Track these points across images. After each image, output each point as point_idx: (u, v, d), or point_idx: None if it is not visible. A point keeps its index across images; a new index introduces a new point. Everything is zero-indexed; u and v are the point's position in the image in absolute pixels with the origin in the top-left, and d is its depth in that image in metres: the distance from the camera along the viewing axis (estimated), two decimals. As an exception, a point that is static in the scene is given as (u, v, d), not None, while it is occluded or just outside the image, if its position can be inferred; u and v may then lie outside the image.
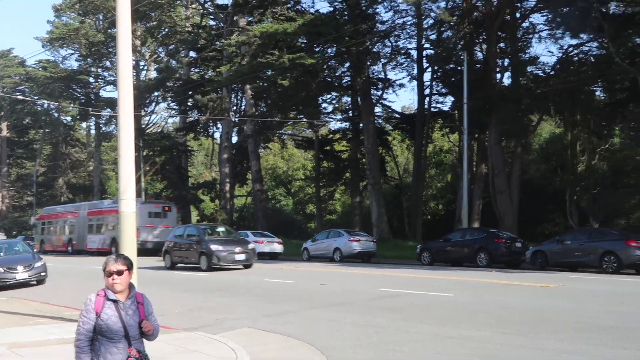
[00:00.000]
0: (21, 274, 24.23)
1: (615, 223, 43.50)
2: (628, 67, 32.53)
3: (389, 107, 53.71)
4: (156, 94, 66.88)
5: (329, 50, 43.17)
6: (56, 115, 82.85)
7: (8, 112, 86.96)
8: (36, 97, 77.53)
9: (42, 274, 24.91)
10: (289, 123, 48.78)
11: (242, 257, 28.51)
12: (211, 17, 57.90)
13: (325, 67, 43.23)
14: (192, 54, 58.92)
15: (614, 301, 15.82)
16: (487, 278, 22.01)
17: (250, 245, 29.91)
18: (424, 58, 47.30)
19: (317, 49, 42.63)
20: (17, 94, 74.40)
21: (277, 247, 40.77)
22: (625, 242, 25.15)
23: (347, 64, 45.01)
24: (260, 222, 51.97)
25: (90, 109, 62.37)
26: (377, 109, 51.46)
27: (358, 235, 37.16)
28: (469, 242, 30.36)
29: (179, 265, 30.61)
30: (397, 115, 54.36)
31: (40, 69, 72.57)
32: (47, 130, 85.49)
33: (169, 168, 60.96)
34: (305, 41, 42.35)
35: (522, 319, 13.29)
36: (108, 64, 69.16)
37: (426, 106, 47.90)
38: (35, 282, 24.96)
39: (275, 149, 77.73)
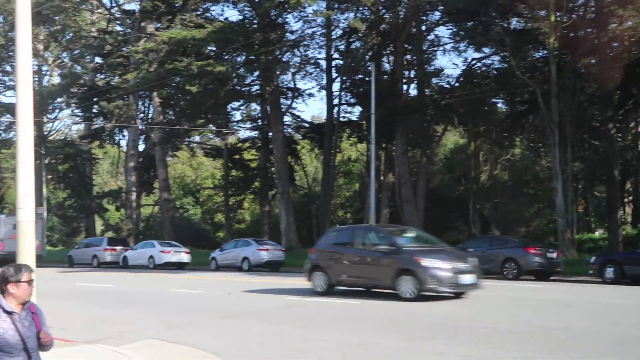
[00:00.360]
0: None
1: (516, 231, 45.08)
2: (527, 81, 33.79)
3: (298, 117, 53.96)
4: (60, 100, 65.02)
5: (239, 59, 43.01)
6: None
7: None
8: None
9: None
10: (197, 131, 48.19)
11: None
12: (118, 22, 56.72)
13: (234, 75, 43.04)
14: (98, 59, 57.54)
15: (512, 306, 16.34)
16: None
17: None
18: (333, 68, 47.73)
19: (226, 57, 42.40)
20: None
21: (185, 257, 40.22)
22: (525, 249, 26.13)
23: (257, 73, 44.93)
24: (168, 231, 51.14)
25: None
26: (287, 118, 51.66)
27: (266, 244, 37.15)
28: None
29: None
30: (306, 125, 54.64)
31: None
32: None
33: (72, 176, 59.25)
34: (214, 49, 42.07)
35: (425, 325, 13.54)
36: (8, 68, 66.54)
37: (335, 116, 48.30)
38: None
39: (183, 158, 76.74)
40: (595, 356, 10.34)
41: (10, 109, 64.35)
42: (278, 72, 46.26)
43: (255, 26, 41.19)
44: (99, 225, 62.81)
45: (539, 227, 48.67)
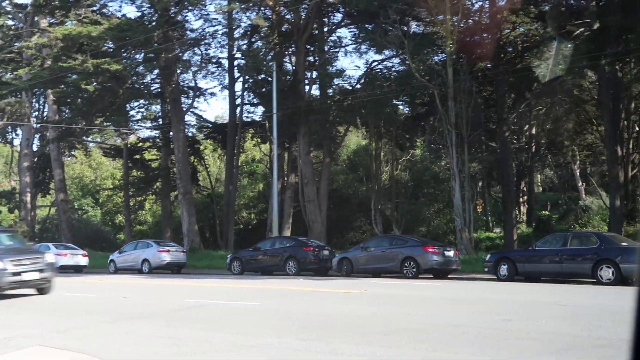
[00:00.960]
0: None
1: (416, 230, 45.95)
2: (426, 83, 34.49)
3: (201, 116, 53.33)
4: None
5: (137, 57, 42.05)
6: None
7: None
8: None
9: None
10: (95, 130, 46.86)
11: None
12: (10, 16, 54.47)
13: (133, 73, 42.04)
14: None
15: (410, 304, 16.58)
16: (294, 286, 22.30)
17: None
18: (235, 67, 47.39)
19: (124, 55, 41.39)
20: None
21: (82, 260, 39.11)
22: (423, 248, 26.61)
23: (157, 71, 44.05)
24: (65, 233, 49.56)
25: None
26: (189, 118, 50.97)
27: (167, 245, 36.53)
28: (278, 251, 30.75)
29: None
30: (209, 125, 54.04)
31: None
32: None
33: None
34: (112, 46, 41.00)
35: (323, 325, 13.52)
36: None
37: (238, 116, 47.96)
38: None
39: (82, 158, 74.55)
40: (484, 350, 10.57)
41: None
42: (178, 71, 45.53)
43: (154, 24, 40.39)
44: (-9, 228, 60.20)
45: (439, 226, 49.76)
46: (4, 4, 55.45)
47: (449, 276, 27.09)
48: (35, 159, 55.47)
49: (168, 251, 35.32)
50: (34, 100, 53.90)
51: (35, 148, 55.39)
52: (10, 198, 56.27)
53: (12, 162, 65.11)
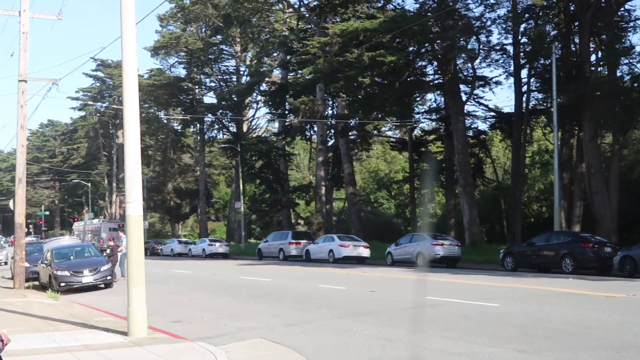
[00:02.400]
0: (87, 277, 24.63)
1: None
2: None
3: (487, 106, 51.57)
4: (257, 98, 67.65)
5: (412, 48, 41.72)
6: (165, 121, 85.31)
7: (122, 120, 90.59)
8: (147, 105, 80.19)
9: (108, 277, 25.26)
10: (376, 124, 47.48)
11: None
12: (305, 20, 57.66)
13: (412, 65, 41.82)
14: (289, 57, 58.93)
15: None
16: (555, 286, 20.25)
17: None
18: (521, 53, 44.99)
19: (400, 47, 41.31)
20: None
21: (364, 252, 39.98)
22: None
23: (435, 63, 43.43)
24: (355, 225, 51.17)
25: (189, 116, 63.57)
26: (473, 108, 49.67)
27: (442, 239, 35.77)
28: (553, 247, 28.41)
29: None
30: (494, 114, 52.13)
31: (146, 77, 74.94)
32: (160, 136, 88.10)
33: (266, 172, 61.29)
34: (393, 40, 41.10)
35: (551, 333, 11.85)
36: (207, 70, 70.32)
37: (525, 103, 45.52)
38: (103, 286, 25.30)
39: (377, 152, 76.86)
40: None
41: (210, 108, 68.13)
42: (460, 62, 44.50)
43: (429, 14, 39.75)
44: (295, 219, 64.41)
45: None
46: (301, 8, 58.83)
47: None
48: (330, 154, 58.11)
49: (442, 245, 34.56)
50: (328, 98, 56.29)
51: (329, 143, 58.05)
52: (307, 191, 59.66)
53: (310, 157, 69.13)
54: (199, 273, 32.07)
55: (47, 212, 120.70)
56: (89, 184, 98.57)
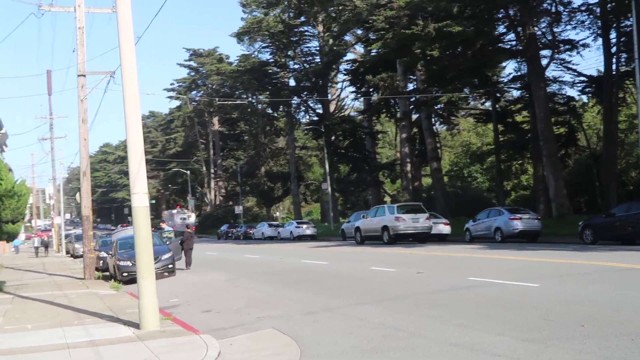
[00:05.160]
0: (147, 266, 24.93)
1: None
2: None
3: (575, 70, 48.95)
4: (342, 78, 67.12)
5: (486, 16, 39.86)
6: (258, 106, 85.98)
7: (217, 107, 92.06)
8: (238, 92, 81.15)
9: (170, 265, 25.49)
10: (453, 97, 45.82)
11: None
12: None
13: (485, 33, 39.96)
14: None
15: None
16: (627, 261, 18.81)
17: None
18: (609, 13, 42.31)
19: (476, 16, 39.59)
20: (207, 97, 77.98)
21: (444, 229, 39.08)
22: None
23: (512, 29, 41.39)
24: (440, 202, 49.95)
25: (266, 100, 63.67)
26: (559, 73, 47.28)
27: (520, 213, 34.27)
28: (634, 217, 26.55)
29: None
30: (583, 79, 49.45)
31: (234, 63, 75.78)
32: (253, 120, 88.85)
33: (352, 151, 60.78)
34: (464, 8, 39.50)
35: (572, 318, 10.84)
36: (291, 53, 70.14)
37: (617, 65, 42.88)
38: (167, 274, 25.57)
39: (469, 125, 74.81)
40: None
41: (295, 91, 68.04)
42: (540, 25, 42.27)
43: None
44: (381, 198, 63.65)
45: None
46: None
47: None
48: (415, 130, 56.94)
49: (520, 219, 33.12)
50: (407, 74, 55.06)
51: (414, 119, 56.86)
52: (392, 169, 58.79)
53: (396, 134, 68.01)
54: (265, 258, 32.00)
55: (154, 201, 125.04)
56: (188, 172, 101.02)
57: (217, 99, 79.03)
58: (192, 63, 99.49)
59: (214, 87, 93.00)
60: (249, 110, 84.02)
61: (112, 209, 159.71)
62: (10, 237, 23.94)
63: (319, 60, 67.55)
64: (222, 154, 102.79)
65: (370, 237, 38.69)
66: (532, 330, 10.18)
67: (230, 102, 72.24)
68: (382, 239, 36.86)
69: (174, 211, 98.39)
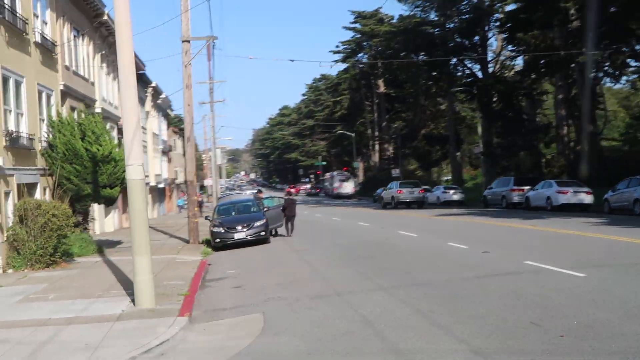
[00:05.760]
0: (239, 233, 24.87)
1: None
2: None
3: None
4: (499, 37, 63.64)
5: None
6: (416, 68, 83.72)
7: (383, 68, 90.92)
8: (402, 54, 79.30)
9: (262, 233, 25.18)
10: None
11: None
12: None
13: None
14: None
15: None
16: None
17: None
18: None
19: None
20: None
21: (585, 198, 36.11)
22: None
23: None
24: (587, 168, 45.74)
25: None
26: None
27: (667, 182, 30.52)
28: None
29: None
30: None
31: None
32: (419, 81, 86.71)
33: (507, 114, 57.43)
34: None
35: (572, 321, 9.09)
36: (449, 12, 67.13)
37: None
38: (261, 241, 25.37)
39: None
40: None
41: (454, 51, 65.11)
42: None
43: None
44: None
45: None
46: None
47: None
48: (575, 91, 52.70)
49: (664, 190, 29.52)
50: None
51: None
52: (547, 132, 54.98)
53: (555, 96, 63.28)
54: (371, 227, 30.75)
55: (325, 163, 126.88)
56: (353, 134, 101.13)
57: (378, 61, 78.16)
58: (357, 25, 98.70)
59: (378, 49, 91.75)
60: (410, 72, 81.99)
61: (288, 169, 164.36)
62: (108, 201, 24.53)
63: (476, 18, 64.27)
64: (387, 116, 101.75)
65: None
66: (511, 338, 8.66)
67: (387, 63, 70.63)
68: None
69: (335, 173, 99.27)
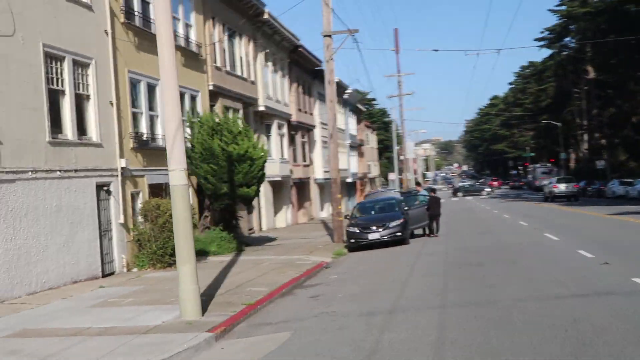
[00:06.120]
0: (373, 234, 23.82)
1: None
2: None
3: None
4: None
5: None
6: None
7: (593, 52, 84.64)
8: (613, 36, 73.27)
9: (398, 234, 23.87)
10: None
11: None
12: None
13: None
14: None
15: None
16: None
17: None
18: None
19: None
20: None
21: None
22: None
23: None
24: None
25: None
26: None
27: None
28: None
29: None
30: None
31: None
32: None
33: None
34: None
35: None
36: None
37: None
38: (399, 242, 24.13)
39: None
40: None
41: None
42: None
43: None
44: None
45: None
46: None
47: None
48: None
49: None
50: None
51: None
52: None
53: None
54: (526, 227, 28.07)
55: (533, 154, 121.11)
56: (560, 124, 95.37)
57: (586, 43, 72.64)
58: (562, 8, 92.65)
59: (585, 32, 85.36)
60: (619, 56, 75.29)
61: (498, 161, 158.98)
62: (244, 199, 24.61)
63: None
64: (597, 104, 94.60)
65: None
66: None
67: (596, 47, 65.26)
68: None
69: (537, 166, 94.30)
